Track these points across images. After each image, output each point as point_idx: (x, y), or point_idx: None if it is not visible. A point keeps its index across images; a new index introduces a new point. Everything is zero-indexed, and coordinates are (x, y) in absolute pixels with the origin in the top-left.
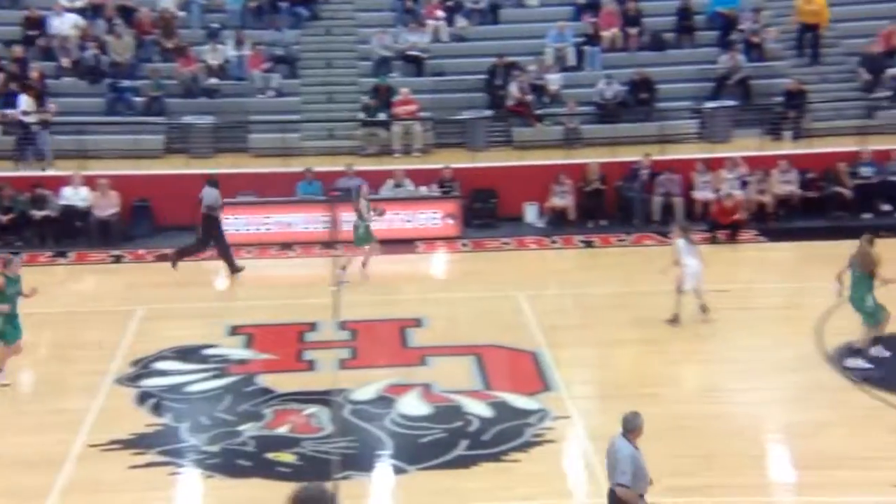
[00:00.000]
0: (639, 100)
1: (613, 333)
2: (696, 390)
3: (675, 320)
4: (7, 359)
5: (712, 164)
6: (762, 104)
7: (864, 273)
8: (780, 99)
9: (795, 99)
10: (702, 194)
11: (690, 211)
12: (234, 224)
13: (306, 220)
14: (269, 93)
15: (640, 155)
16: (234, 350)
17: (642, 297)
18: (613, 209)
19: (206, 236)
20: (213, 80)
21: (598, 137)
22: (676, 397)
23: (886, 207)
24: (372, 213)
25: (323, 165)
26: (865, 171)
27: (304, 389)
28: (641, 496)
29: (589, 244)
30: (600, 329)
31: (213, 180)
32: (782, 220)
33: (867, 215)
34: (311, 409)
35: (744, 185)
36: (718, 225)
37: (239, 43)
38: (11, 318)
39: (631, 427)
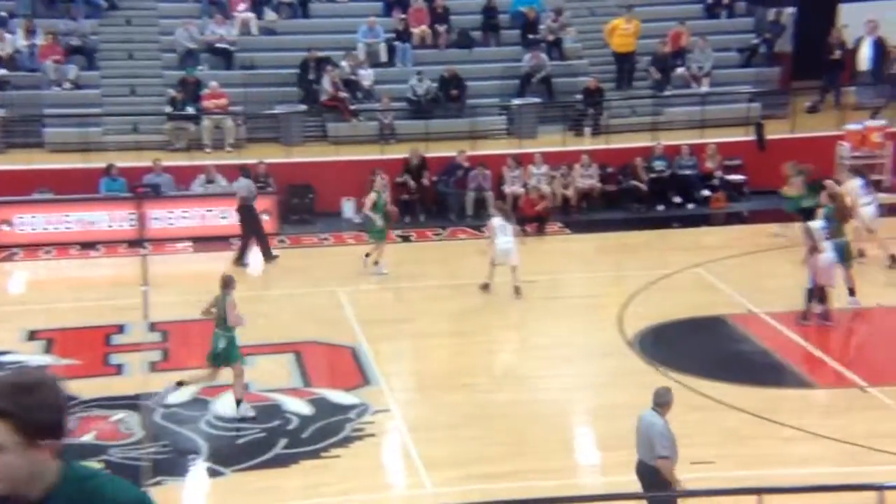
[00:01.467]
0: (449, 96)
1: (431, 326)
2: (508, 379)
3: (485, 287)
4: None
5: (521, 160)
6: (564, 102)
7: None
8: (580, 97)
9: (594, 97)
10: (511, 189)
11: (501, 201)
12: (32, 223)
13: (110, 219)
14: (66, 85)
15: (453, 150)
16: (32, 356)
17: (459, 290)
18: (429, 204)
19: (246, 226)
20: (2, 72)
21: (411, 133)
22: (490, 386)
23: (677, 199)
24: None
25: (128, 161)
26: (658, 165)
27: (112, 395)
28: None
29: (406, 238)
30: (418, 322)
31: (246, 171)
32: (584, 213)
33: (661, 207)
34: (119, 414)
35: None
36: (526, 218)
37: (29, 32)
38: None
39: (663, 401)
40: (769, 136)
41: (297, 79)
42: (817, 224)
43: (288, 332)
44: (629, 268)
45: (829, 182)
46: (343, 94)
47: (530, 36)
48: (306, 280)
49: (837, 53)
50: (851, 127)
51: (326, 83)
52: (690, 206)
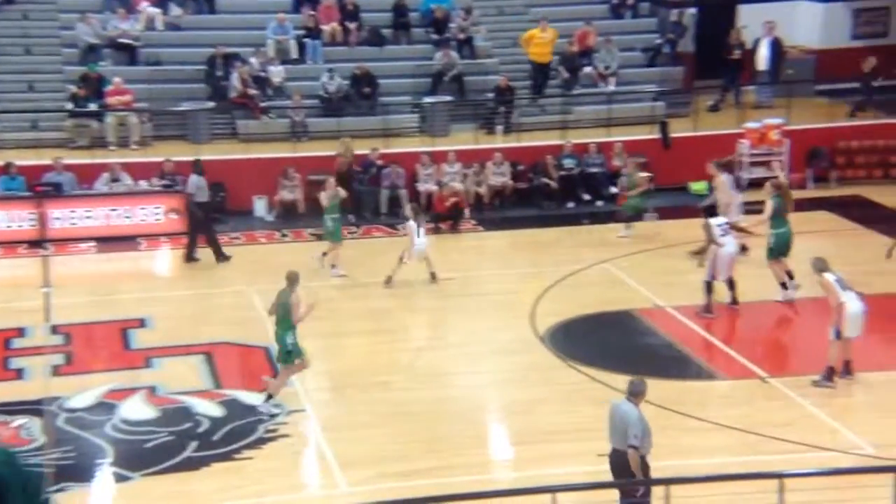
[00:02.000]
0: (361, 94)
1: (346, 324)
2: (423, 376)
3: (388, 281)
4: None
5: (435, 158)
6: (476, 100)
7: None
8: (491, 95)
9: (504, 95)
10: (425, 187)
11: (415, 202)
12: None
13: (9, 218)
14: None
15: (366, 148)
16: None
17: (373, 288)
18: (343, 202)
19: (193, 224)
20: None
21: (323, 131)
22: (405, 384)
23: (587, 197)
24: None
25: (26, 159)
26: (568, 163)
27: (12, 400)
28: (643, 456)
29: (319, 237)
30: (333, 321)
31: (198, 168)
32: (497, 210)
33: (571, 204)
34: (20, 420)
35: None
36: (440, 216)
37: None
38: None
39: (638, 391)
40: (673, 135)
41: (204, 75)
42: (717, 221)
43: (198, 332)
44: (541, 264)
45: (779, 176)
46: (253, 91)
47: (441, 35)
48: (217, 280)
49: (737, 53)
50: (750, 125)
51: (235, 80)
52: (599, 203)
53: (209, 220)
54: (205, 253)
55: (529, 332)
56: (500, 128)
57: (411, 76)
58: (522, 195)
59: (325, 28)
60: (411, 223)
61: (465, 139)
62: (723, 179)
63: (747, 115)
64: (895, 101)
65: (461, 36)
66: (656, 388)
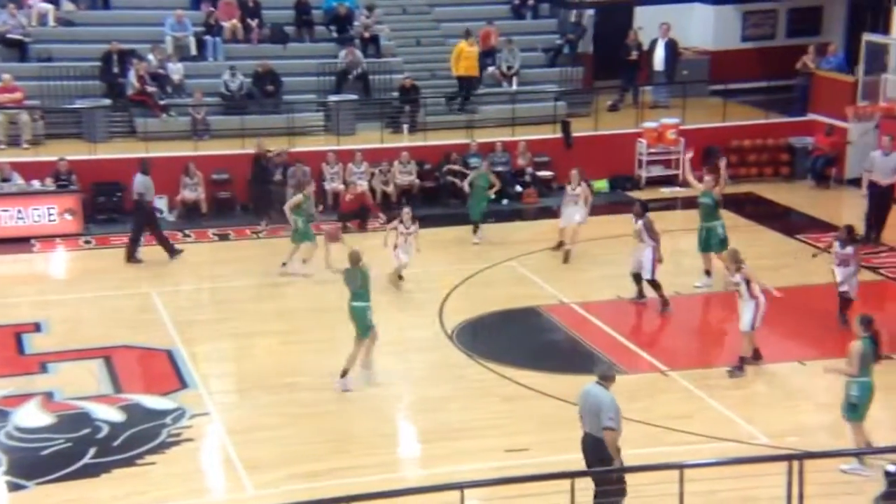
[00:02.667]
0: (265, 92)
1: (251, 326)
2: (332, 376)
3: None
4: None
5: (341, 156)
6: (381, 99)
7: None
8: (396, 94)
9: (409, 94)
10: (331, 186)
11: (322, 202)
12: None
13: None
14: None
15: (270, 147)
16: None
17: (279, 288)
18: (247, 201)
19: (138, 224)
20: None
21: (226, 129)
22: (313, 384)
23: (492, 195)
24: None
25: None
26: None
27: None
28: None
29: (224, 237)
30: (238, 322)
31: (144, 167)
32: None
33: None
34: None
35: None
36: (347, 215)
37: None
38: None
39: (609, 374)
40: (575, 134)
41: (99, 72)
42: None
43: (96, 336)
44: (448, 262)
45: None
46: (151, 89)
47: (344, 33)
48: (116, 282)
49: (634, 54)
50: (648, 125)
51: (132, 77)
52: (504, 201)
53: (154, 219)
54: (113, 254)
55: (438, 330)
56: (405, 127)
57: (315, 74)
58: (429, 194)
59: (226, 25)
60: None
61: (371, 138)
62: (638, 227)
63: (645, 114)
64: (785, 100)
65: (366, 34)
66: (561, 383)
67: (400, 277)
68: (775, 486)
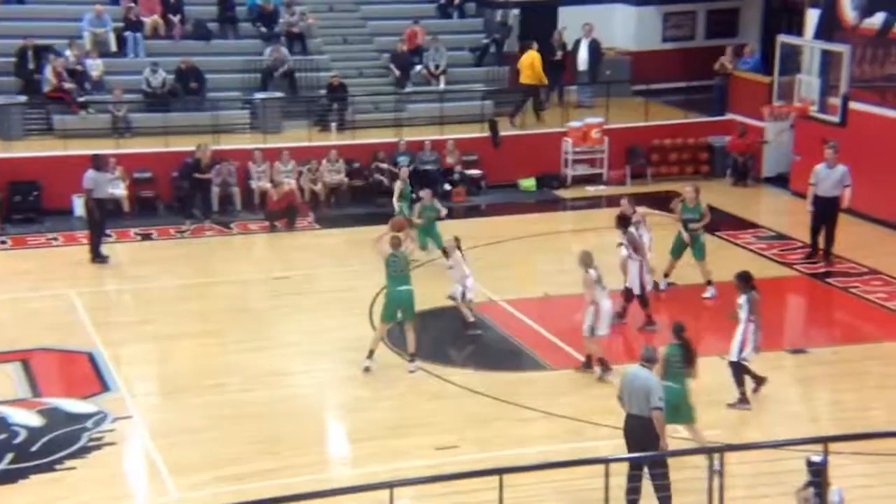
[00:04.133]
0: (188, 89)
1: (175, 327)
2: (260, 377)
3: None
4: None
5: (268, 155)
6: (308, 97)
7: None
8: (323, 92)
9: (337, 92)
10: (258, 184)
11: (248, 201)
12: None
13: None
14: None
15: (195, 145)
16: None
17: (204, 289)
18: (170, 200)
19: (92, 219)
20: None
21: (148, 126)
22: (241, 386)
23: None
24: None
25: None
26: (402, 160)
27: None
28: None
29: (147, 237)
30: (161, 323)
31: (97, 162)
32: (333, 208)
33: None
34: None
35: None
36: (275, 214)
37: None
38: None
39: (653, 357)
40: (502, 133)
41: (14, 68)
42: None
43: (12, 339)
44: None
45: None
46: (69, 85)
47: (269, 30)
48: (33, 283)
49: (559, 54)
50: (573, 124)
51: (49, 73)
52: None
53: (104, 218)
54: (31, 254)
55: (368, 330)
56: (333, 125)
57: (240, 71)
58: (358, 192)
59: (147, 20)
60: (457, 255)
61: (298, 136)
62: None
63: (570, 114)
64: (704, 100)
65: (296, 30)
66: (490, 380)
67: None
68: (697, 478)
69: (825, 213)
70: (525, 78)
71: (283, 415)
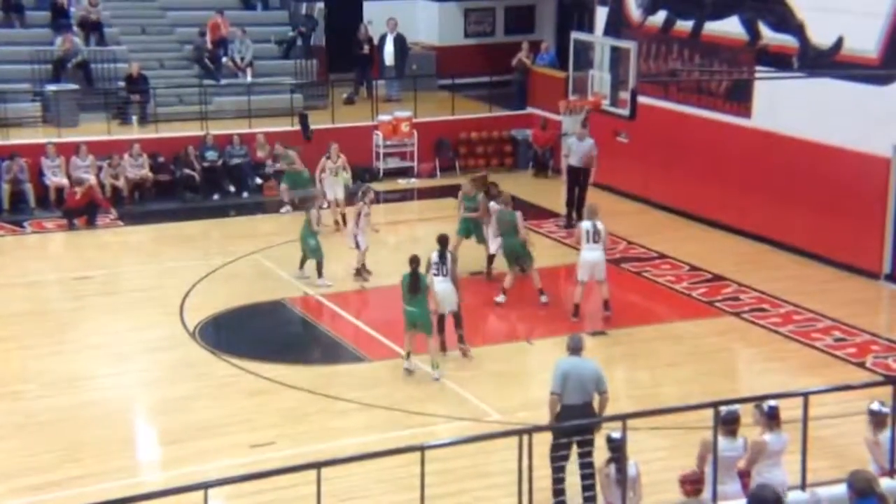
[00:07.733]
0: None
1: None
2: (61, 381)
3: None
4: None
5: (64, 149)
6: (106, 88)
7: None
8: (122, 83)
9: (137, 84)
10: (54, 180)
11: (43, 198)
12: None
13: None
14: None
15: None
16: None
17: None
18: None
19: None
20: None
21: None
22: (40, 392)
23: (231, 188)
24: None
25: None
26: (210, 154)
27: None
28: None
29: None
30: None
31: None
32: (137, 204)
33: (216, 196)
34: None
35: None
36: (74, 211)
37: None
38: None
39: (583, 345)
40: (313, 126)
41: None
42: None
43: None
44: (188, 258)
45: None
46: None
47: (61, 19)
48: None
49: (366, 48)
50: (382, 118)
51: None
52: (245, 194)
53: None
54: None
55: (178, 328)
56: (135, 118)
57: (30, 62)
58: (164, 187)
59: None
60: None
61: (96, 129)
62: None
63: (380, 107)
64: (506, 95)
65: (93, 18)
66: (306, 374)
67: (367, 271)
68: (508, 459)
69: (576, 180)
70: None
71: (87, 420)
